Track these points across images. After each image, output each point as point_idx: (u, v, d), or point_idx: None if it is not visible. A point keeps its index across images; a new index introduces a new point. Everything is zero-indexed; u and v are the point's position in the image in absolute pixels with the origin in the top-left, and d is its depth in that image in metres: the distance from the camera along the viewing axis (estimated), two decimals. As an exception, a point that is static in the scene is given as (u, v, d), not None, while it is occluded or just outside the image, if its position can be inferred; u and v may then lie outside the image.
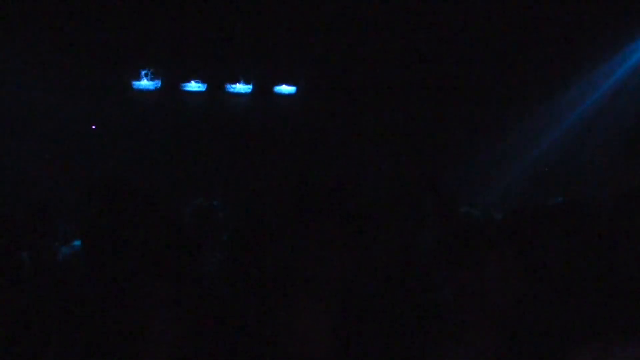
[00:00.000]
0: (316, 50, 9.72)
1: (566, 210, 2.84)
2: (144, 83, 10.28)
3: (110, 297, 2.54)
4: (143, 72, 10.23)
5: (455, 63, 9.76)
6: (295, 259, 2.19)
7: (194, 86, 10.42)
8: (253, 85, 10.50)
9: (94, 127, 10.58)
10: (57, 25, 8.99)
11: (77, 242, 3.92)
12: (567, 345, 1.71)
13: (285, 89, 10.65)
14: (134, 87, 10.31)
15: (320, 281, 2.19)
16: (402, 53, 9.74)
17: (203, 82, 10.43)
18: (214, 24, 9.19)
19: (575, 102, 10.06)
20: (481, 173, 9.95)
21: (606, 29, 8.94)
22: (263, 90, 10.58)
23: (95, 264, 3.10)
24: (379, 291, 2.47)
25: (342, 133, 10.53)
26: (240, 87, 10.44)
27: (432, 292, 2.37)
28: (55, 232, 4.70)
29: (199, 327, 2.35)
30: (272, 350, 2.20)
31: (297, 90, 10.68)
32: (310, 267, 2.18)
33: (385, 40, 9.45)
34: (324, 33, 9.37)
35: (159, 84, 10.30)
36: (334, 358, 2.18)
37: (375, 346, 2.26)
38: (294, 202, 2.27)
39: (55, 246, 4.42)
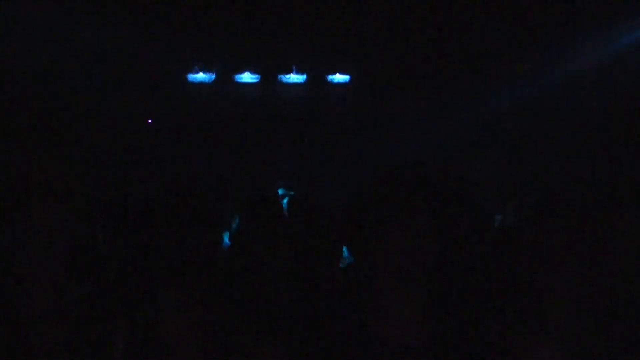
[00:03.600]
0: (369, 38, 9.67)
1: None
2: (199, 76, 10.36)
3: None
4: (197, 65, 10.31)
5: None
6: (382, 245, 2.15)
7: (247, 77, 10.45)
8: (306, 75, 10.48)
9: (150, 121, 10.70)
10: (112, 21, 9.09)
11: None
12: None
13: (339, 77, 10.61)
14: (189, 80, 10.40)
15: (409, 267, 2.15)
16: (456, 41, 9.64)
17: (257, 73, 10.46)
18: (267, 15, 9.20)
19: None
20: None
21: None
22: (316, 79, 10.56)
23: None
24: (469, 276, 2.43)
25: (396, 120, 10.47)
26: (294, 77, 10.44)
27: (522, 276, 2.33)
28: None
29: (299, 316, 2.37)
30: (364, 337, 2.18)
31: (351, 79, 10.64)
32: (399, 254, 2.14)
33: (438, 28, 9.36)
34: (376, 21, 9.31)
35: (213, 77, 10.37)
36: (425, 344, 2.16)
37: (467, 331, 2.22)
38: (374, 189, 2.23)
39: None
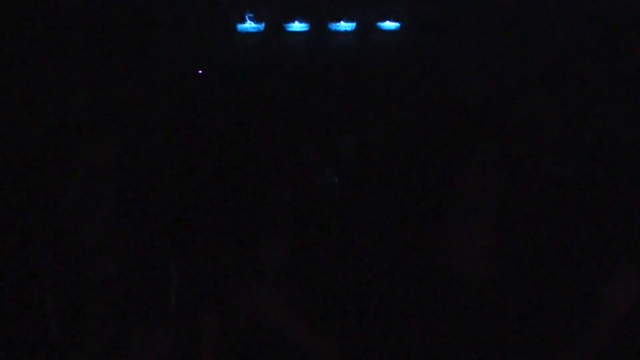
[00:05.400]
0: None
1: None
2: (248, 25, 10.35)
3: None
4: (247, 15, 10.30)
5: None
6: (454, 180, 2.18)
7: (297, 26, 10.41)
8: (356, 23, 10.41)
9: (200, 72, 10.74)
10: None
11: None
12: None
13: (389, 25, 10.51)
14: (239, 30, 10.40)
15: (481, 202, 2.17)
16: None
17: (306, 21, 10.42)
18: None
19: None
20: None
21: None
22: (366, 27, 10.48)
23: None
24: (539, 212, 2.44)
25: (446, 68, 10.34)
26: (344, 25, 10.38)
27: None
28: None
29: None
30: (434, 271, 2.22)
31: (401, 26, 10.53)
32: (470, 188, 2.16)
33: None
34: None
35: (263, 26, 10.36)
36: (493, 279, 2.19)
37: (536, 269, 2.24)
38: (445, 125, 2.24)
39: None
